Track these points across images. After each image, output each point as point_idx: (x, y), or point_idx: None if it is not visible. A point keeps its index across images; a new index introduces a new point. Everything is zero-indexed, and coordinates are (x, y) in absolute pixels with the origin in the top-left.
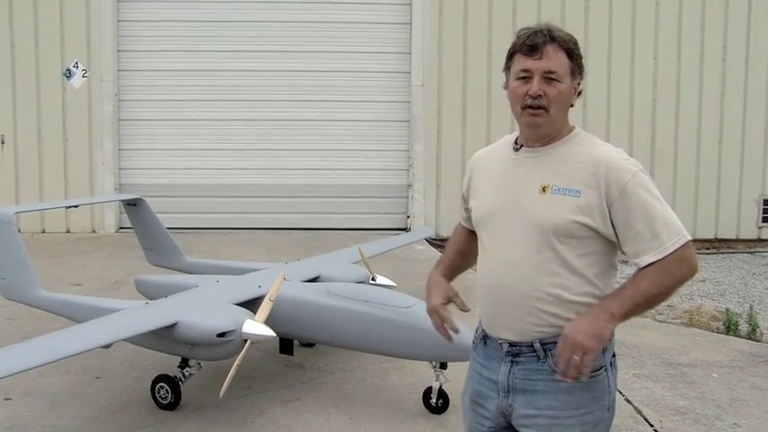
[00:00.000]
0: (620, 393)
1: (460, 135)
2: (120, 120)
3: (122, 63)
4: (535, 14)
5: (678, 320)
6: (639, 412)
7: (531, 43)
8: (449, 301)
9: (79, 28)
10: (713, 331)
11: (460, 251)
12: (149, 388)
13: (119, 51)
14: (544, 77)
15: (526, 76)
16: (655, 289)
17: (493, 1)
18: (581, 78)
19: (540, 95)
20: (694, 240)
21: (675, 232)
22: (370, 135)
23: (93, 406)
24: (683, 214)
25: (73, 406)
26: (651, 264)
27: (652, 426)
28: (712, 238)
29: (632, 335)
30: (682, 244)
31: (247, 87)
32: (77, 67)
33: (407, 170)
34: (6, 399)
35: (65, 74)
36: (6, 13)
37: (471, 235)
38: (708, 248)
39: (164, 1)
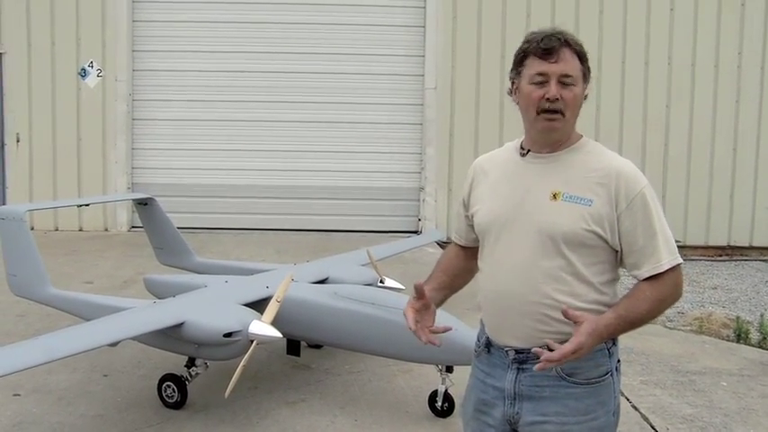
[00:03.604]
0: (627, 400)
1: (473, 138)
2: (133, 119)
3: (137, 63)
4: (549, 18)
5: (688, 327)
6: (646, 419)
7: (546, 46)
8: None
9: (95, 28)
10: (723, 339)
11: (446, 270)
12: (156, 387)
13: (133, 51)
14: (560, 81)
15: (542, 81)
16: (649, 316)
17: (507, 4)
18: (587, 83)
19: (557, 99)
20: (707, 247)
21: (671, 251)
22: (382, 138)
23: (99, 404)
24: (696, 221)
25: (80, 403)
26: (649, 281)
27: None
28: (725, 245)
29: (641, 341)
30: (675, 265)
31: (261, 88)
32: (92, 66)
33: (419, 173)
34: (15, 395)
35: (80, 73)
36: (23, 12)
37: (462, 253)
38: (720, 255)
39: (179, 2)
